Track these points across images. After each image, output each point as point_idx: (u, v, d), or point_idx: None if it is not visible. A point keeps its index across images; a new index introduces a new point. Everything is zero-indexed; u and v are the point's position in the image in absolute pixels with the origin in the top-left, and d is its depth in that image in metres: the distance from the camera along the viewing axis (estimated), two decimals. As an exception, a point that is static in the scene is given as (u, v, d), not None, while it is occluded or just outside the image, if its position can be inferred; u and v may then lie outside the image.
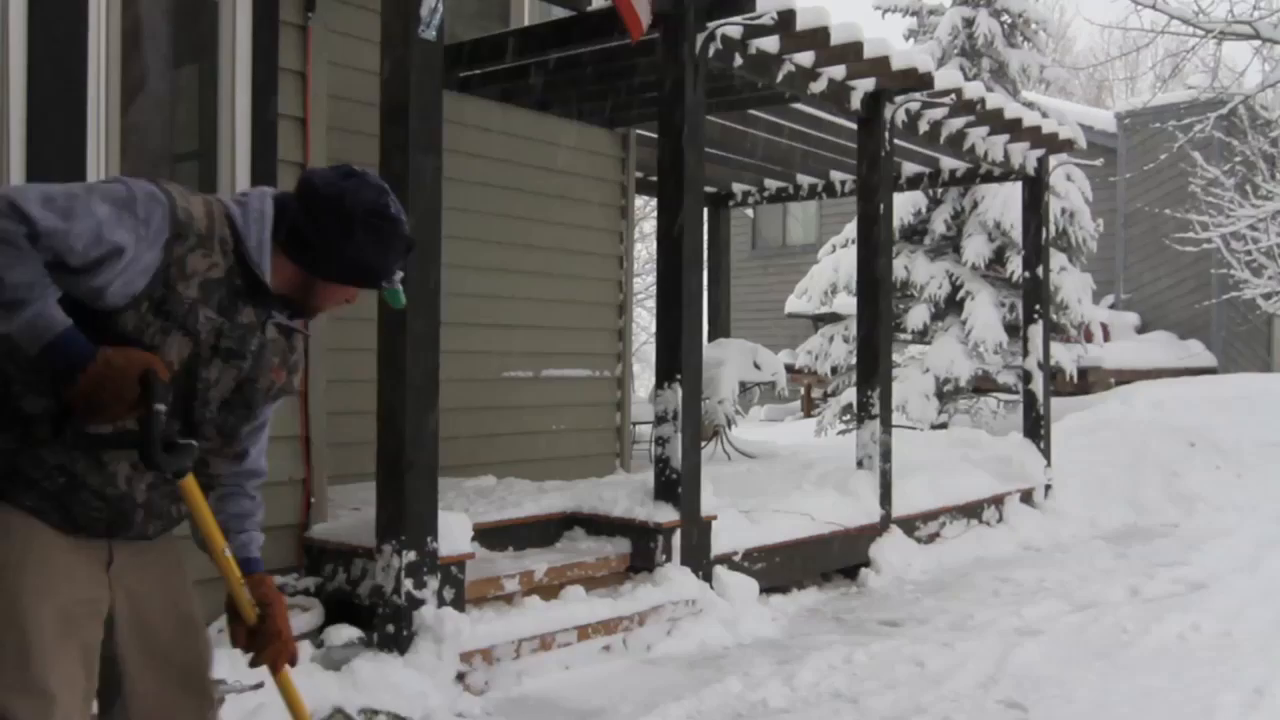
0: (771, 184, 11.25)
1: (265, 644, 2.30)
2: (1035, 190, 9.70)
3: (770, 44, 6.25)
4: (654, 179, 7.87)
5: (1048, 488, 9.29)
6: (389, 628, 4.40)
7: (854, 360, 9.08)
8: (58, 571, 2.09)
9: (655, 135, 6.43)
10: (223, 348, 2.11)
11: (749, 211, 20.48)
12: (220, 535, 2.20)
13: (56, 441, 2.02)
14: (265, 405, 2.31)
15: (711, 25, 5.78)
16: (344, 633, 4.43)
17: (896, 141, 7.77)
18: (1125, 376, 14.70)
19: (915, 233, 13.38)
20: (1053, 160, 9.85)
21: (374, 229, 2.13)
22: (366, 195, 2.14)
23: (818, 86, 6.81)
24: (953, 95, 7.69)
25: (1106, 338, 15.27)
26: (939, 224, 13.07)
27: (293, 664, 2.35)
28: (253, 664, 2.33)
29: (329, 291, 2.20)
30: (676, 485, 5.69)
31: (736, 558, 6.05)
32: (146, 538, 2.23)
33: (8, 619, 2.05)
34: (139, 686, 2.24)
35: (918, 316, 12.83)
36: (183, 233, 2.00)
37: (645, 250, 22.74)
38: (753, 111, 7.96)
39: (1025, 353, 9.66)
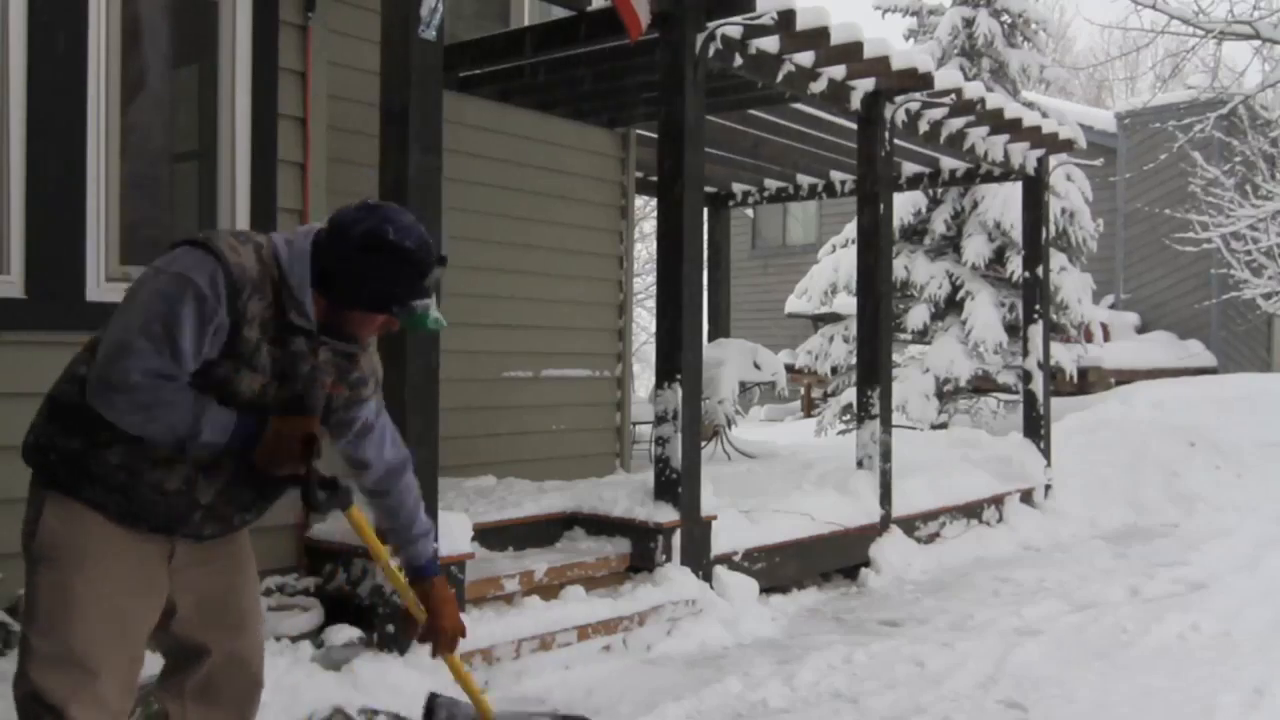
0: (771, 184, 11.25)
1: (432, 638, 2.71)
2: (1035, 190, 9.70)
3: (770, 44, 6.25)
4: (654, 179, 7.87)
5: (1048, 488, 9.29)
6: (389, 628, 4.40)
7: (854, 360, 9.08)
8: (113, 560, 2.30)
9: (655, 135, 6.42)
10: (277, 371, 2.33)
11: (749, 211, 20.47)
12: (383, 551, 2.66)
13: (118, 445, 2.24)
14: (335, 411, 2.48)
15: (711, 25, 5.78)
16: (344, 633, 4.43)
17: (896, 141, 7.77)
18: (1125, 376, 14.70)
19: (915, 233, 13.37)
20: (1053, 160, 9.85)
21: (372, 256, 2.27)
22: (368, 224, 2.28)
23: (818, 86, 6.81)
24: (953, 95, 7.69)
25: (1106, 338, 15.26)
26: (939, 224, 13.06)
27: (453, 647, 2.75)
28: (432, 655, 2.75)
29: (354, 318, 2.37)
30: (676, 485, 5.69)
31: (736, 558, 6.05)
32: (202, 538, 2.42)
33: (58, 598, 2.26)
34: (204, 666, 2.50)
35: (918, 316, 12.83)
36: (240, 288, 2.21)
37: (645, 250, 22.74)
38: (753, 111, 7.96)
39: (1025, 353, 9.66)
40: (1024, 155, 9.38)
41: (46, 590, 2.27)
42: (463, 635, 2.75)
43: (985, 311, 12.20)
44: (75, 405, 2.26)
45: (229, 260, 2.21)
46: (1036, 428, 9.53)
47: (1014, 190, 11.39)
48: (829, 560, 6.81)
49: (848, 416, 12.71)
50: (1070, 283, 12.62)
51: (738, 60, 6.12)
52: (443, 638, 2.71)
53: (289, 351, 2.33)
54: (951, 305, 12.85)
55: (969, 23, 13.24)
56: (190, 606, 2.47)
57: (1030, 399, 9.60)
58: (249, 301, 2.23)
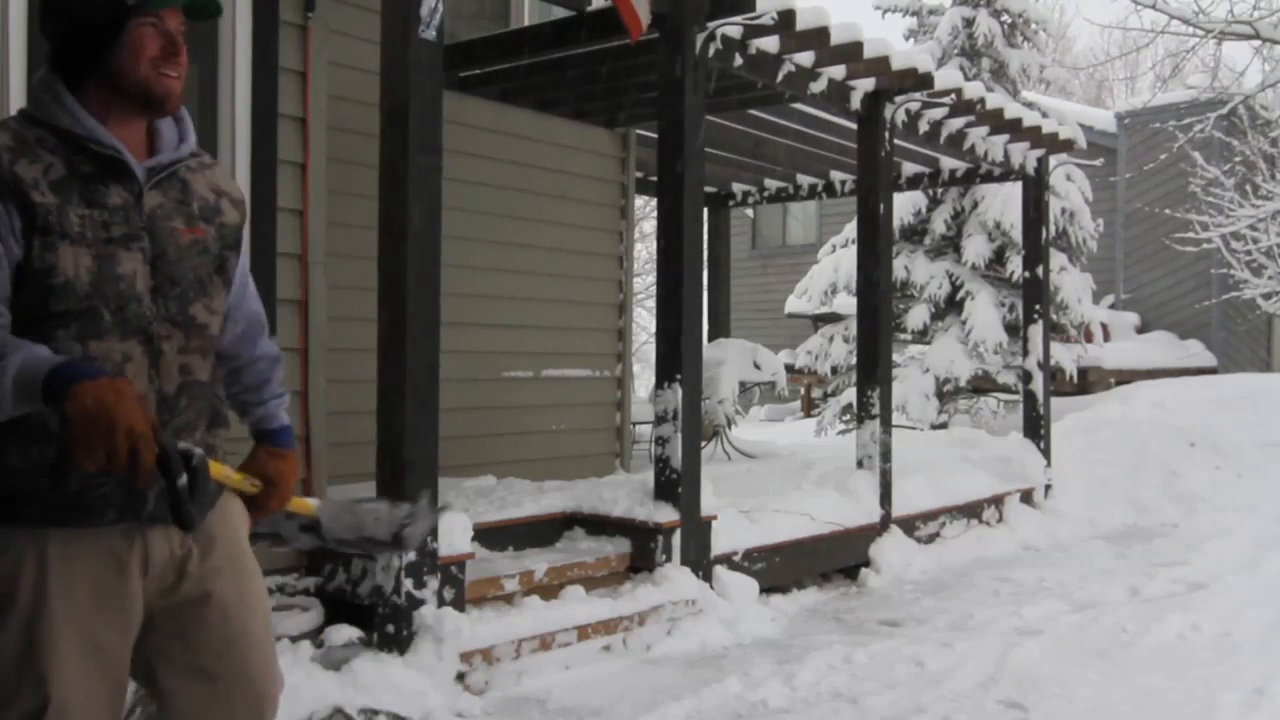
0: (771, 184, 11.25)
1: (259, 511, 2.15)
2: (1035, 190, 9.70)
3: (770, 44, 6.25)
4: (654, 179, 7.87)
5: (1048, 488, 9.29)
6: (389, 628, 4.40)
7: (854, 360, 9.07)
8: (85, 592, 1.89)
9: (655, 135, 6.42)
10: (115, 237, 1.89)
11: (749, 211, 20.47)
12: (225, 469, 2.01)
13: (7, 441, 1.84)
14: (203, 273, 2.02)
15: (711, 25, 5.78)
16: (344, 633, 4.43)
17: (896, 141, 7.76)
18: (1125, 376, 14.70)
19: (915, 233, 13.37)
20: (1053, 160, 9.85)
21: None
22: None
23: (818, 86, 6.81)
24: (953, 95, 7.69)
25: (1106, 338, 15.26)
26: (939, 224, 13.06)
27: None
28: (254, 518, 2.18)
29: (126, 56, 1.90)
30: (676, 485, 5.69)
31: (736, 558, 6.05)
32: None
33: (21, 659, 1.85)
34: (178, 703, 2.06)
35: (918, 316, 12.83)
36: None
37: (645, 250, 22.74)
38: (753, 111, 7.96)
39: (1025, 353, 9.66)
40: (1024, 155, 9.38)
41: (6, 638, 1.85)
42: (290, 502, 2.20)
43: (985, 311, 12.20)
44: None
45: None
46: (1036, 428, 9.53)
47: (1014, 190, 11.39)
48: (829, 560, 6.81)
49: (848, 416, 12.71)
50: (1070, 283, 12.62)
51: (738, 60, 6.12)
52: (269, 509, 2.16)
53: (111, 207, 1.89)
54: (951, 305, 12.85)
55: (969, 23, 13.24)
56: (170, 623, 2.04)
57: (1030, 399, 9.60)
58: (15, 167, 1.82)
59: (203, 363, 2.03)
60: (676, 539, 5.61)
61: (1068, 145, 9.40)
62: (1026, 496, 8.94)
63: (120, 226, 1.89)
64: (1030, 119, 8.73)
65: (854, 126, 7.73)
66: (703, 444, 6.47)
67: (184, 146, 2.02)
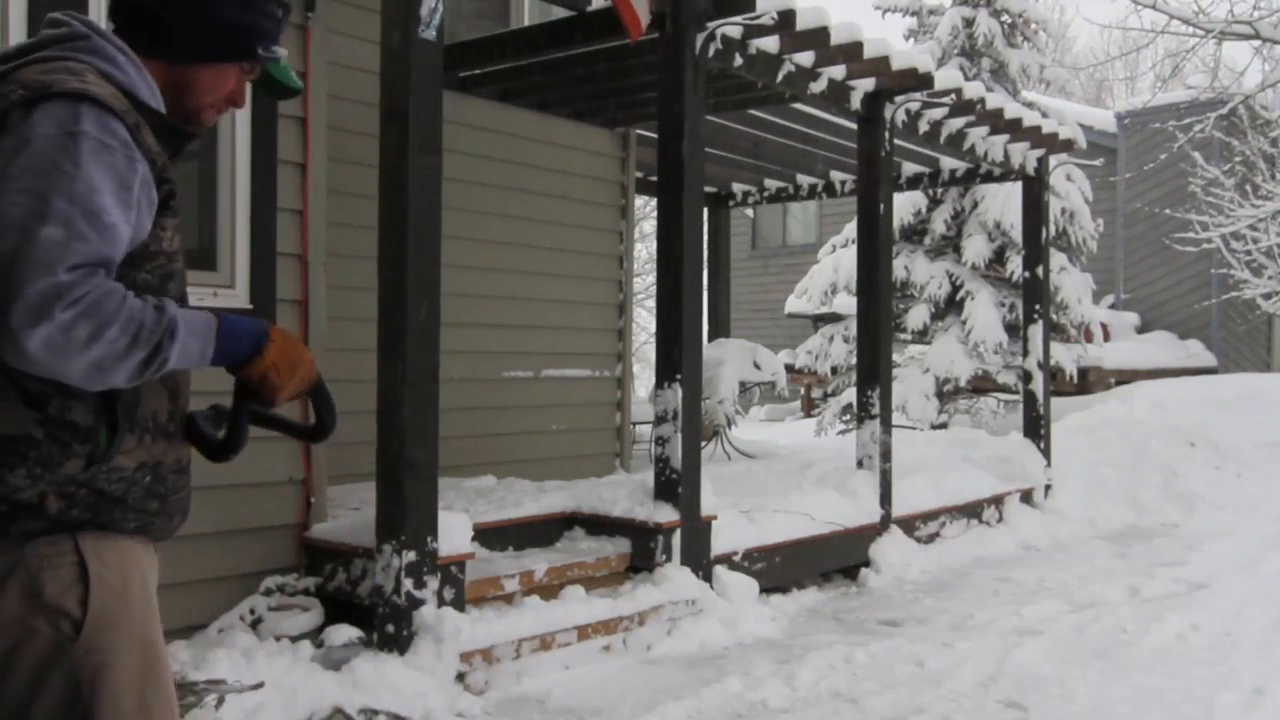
0: (771, 184, 11.25)
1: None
2: (1035, 190, 9.70)
3: (770, 44, 6.25)
4: (654, 179, 7.87)
5: (1048, 488, 9.29)
6: (389, 628, 4.40)
7: (854, 360, 9.08)
8: (153, 598, 1.79)
9: (655, 135, 6.43)
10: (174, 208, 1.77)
11: (749, 211, 20.47)
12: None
13: (118, 447, 1.66)
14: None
15: (711, 25, 5.78)
16: (344, 633, 4.43)
17: (896, 141, 7.76)
18: (1125, 376, 14.70)
19: (915, 233, 13.37)
20: (1053, 160, 9.85)
21: None
22: None
23: (818, 86, 6.81)
24: (953, 95, 7.69)
25: (1106, 338, 15.25)
26: (939, 224, 13.06)
27: None
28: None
29: (199, 82, 1.81)
30: (676, 485, 5.69)
31: (736, 558, 6.05)
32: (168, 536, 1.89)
33: (151, 682, 1.68)
34: None
35: (918, 316, 12.83)
36: (130, 122, 1.66)
37: (645, 250, 22.74)
38: (753, 111, 7.96)
39: (1025, 353, 9.66)
40: (1024, 155, 9.38)
41: (134, 676, 1.64)
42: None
43: (985, 311, 12.20)
44: (48, 420, 1.61)
45: (111, 104, 1.63)
46: (1036, 428, 9.53)
47: (1014, 190, 11.40)
48: (829, 560, 6.81)
49: (848, 416, 12.71)
50: (1070, 283, 12.62)
51: (738, 60, 6.12)
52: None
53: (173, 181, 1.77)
54: (951, 305, 12.85)
55: (969, 23, 13.24)
56: None
57: (1030, 399, 9.60)
58: (145, 134, 1.68)
59: None
60: (676, 539, 5.61)
61: (1068, 145, 9.40)
62: (1026, 496, 8.94)
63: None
64: (1030, 119, 8.73)
65: (854, 126, 7.73)
66: (703, 444, 6.47)
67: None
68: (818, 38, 6.30)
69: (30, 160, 1.53)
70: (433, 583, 4.45)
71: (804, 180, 10.95)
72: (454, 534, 4.57)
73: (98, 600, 1.64)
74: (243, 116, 4.78)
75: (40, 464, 1.59)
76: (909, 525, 7.47)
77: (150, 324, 1.55)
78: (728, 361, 9.70)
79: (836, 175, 10.63)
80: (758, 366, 9.98)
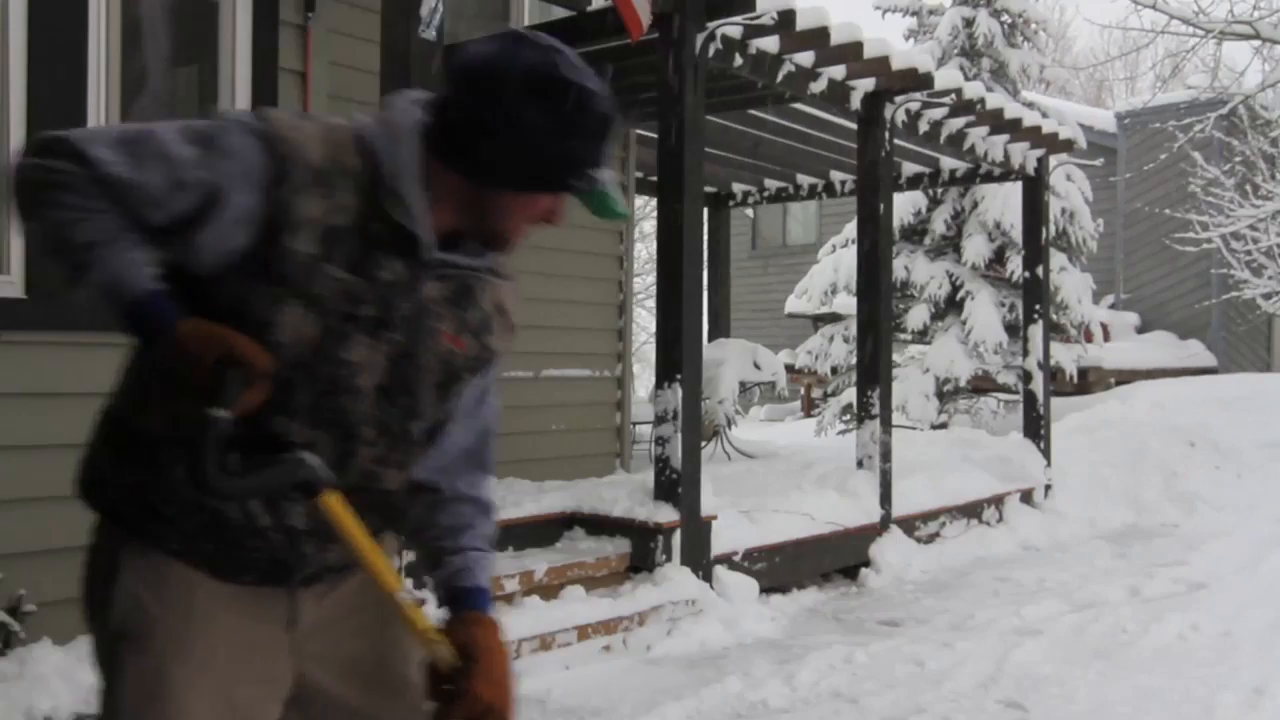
0: (771, 184, 11.25)
1: (452, 709, 1.62)
2: (1035, 190, 9.70)
3: (770, 44, 6.25)
4: (654, 179, 7.87)
5: (1048, 488, 9.30)
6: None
7: (854, 360, 9.09)
8: (222, 639, 1.60)
9: (655, 135, 6.43)
10: (361, 317, 1.54)
11: (749, 211, 20.47)
12: (390, 574, 1.59)
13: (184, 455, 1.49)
14: (441, 391, 1.68)
15: (711, 25, 5.78)
16: (344, 632, 4.43)
17: (896, 141, 7.77)
18: (1125, 376, 14.70)
19: (915, 233, 13.37)
20: (1053, 160, 9.86)
21: (539, 101, 1.51)
22: (530, 58, 1.54)
23: (818, 86, 6.81)
24: (953, 95, 7.69)
25: (1106, 338, 15.26)
26: (939, 224, 13.06)
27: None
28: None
29: (502, 205, 1.59)
30: (676, 485, 5.69)
31: (736, 558, 6.05)
32: (330, 569, 1.68)
33: (151, 692, 1.56)
34: None
35: (918, 316, 12.83)
36: (286, 168, 1.47)
37: (645, 250, 22.74)
38: (753, 111, 7.96)
39: (1025, 353, 9.67)
40: (1024, 155, 9.38)
41: (134, 680, 1.56)
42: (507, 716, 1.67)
43: (985, 311, 12.21)
44: (126, 419, 1.58)
45: (276, 129, 1.49)
46: (1036, 428, 9.53)
47: (1014, 190, 11.40)
48: (829, 560, 6.81)
49: (848, 416, 12.71)
50: (1070, 283, 12.62)
51: (738, 60, 6.13)
52: (465, 706, 1.61)
53: (377, 283, 1.54)
54: (951, 305, 12.85)
55: (969, 23, 13.24)
56: (337, 679, 1.71)
57: (1030, 399, 9.60)
58: (300, 195, 1.48)
59: (396, 475, 1.70)
60: (676, 539, 5.61)
61: (1068, 145, 9.40)
62: (1026, 496, 8.94)
63: (372, 308, 1.55)
64: (1030, 119, 8.73)
65: (854, 126, 7.73)
66: (703, 444, 6.47)
67: (487, 258, 1.70)
68: (818, 38, 6.30)
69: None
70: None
71: (804, 180, 10.95)
72: (454, 534, 4.56)
73: (119, 603, 1.60)
74: (240, 106, 4.78)
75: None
76: (909, 525, 7.48)
77: (71, 251, 1.43)
78: (728, 361, 9.70)
79: (836, 175, 10.63)
80: (758, 366, 9.98)
